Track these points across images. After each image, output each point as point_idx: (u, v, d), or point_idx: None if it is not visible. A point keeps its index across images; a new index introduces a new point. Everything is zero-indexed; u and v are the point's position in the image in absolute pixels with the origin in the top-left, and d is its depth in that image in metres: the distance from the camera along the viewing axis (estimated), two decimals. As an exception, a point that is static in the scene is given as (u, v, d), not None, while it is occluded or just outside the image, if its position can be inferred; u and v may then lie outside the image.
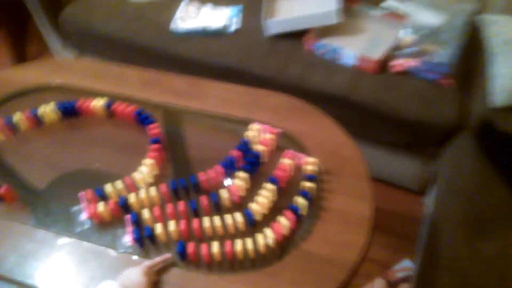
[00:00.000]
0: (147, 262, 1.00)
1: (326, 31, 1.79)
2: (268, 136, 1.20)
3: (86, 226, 1.11)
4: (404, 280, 1.65)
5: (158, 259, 1.02)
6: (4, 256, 1.05)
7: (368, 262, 1.71)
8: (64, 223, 1.11)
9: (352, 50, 1.66)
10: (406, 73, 1.64)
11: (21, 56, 2.48)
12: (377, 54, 1.65)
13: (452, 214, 1.34)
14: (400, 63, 1.64)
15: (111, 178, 1.17)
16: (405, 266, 1.66)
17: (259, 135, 1.22)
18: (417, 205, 1.83)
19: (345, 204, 1.11)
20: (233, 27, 1.86)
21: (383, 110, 1.60)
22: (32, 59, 2.56)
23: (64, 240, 1.08)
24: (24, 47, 2.50)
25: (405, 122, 1.59)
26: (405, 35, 1.69)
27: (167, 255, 1.02)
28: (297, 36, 1.76)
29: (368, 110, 1.62)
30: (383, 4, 1.89)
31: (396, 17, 1.79)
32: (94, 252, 1.06)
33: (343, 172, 1.17)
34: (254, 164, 1.16)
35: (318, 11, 1.75)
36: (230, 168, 1.17)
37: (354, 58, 1.66)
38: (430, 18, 1.74)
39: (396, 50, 1.67)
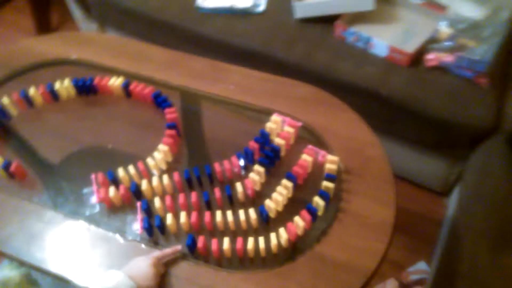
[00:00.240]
0: (157, 253, 0.97)
1: (360, 17, 1.69)
2: (288, 129, 1.14)
3: (96, 210, 1.08)
4: (418, 283, 1.60)
5: (168, 250, 0.98)
6: (11, 235, 1.03)
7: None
8: (74, 205, 1.09)
9: (385, 40, 1.56)
10: (440, 69, 1.54)
11: (44, 25, 2.45)
12: (411, 46, 1.56)
13: (475, 221, 1.27)
14: (435, 58, 1.54)
15: (125, 159, 1.14)
16: (420, 269, 1.60)
17: (279, 128, 1.16)
18: (439, 207, 1.76)
19: (365, 207, 1.05)
20: (261, 7, 1.78)
21: (413, 107, 1.52)
22: (54, 29, 2.53)
23: (72, 223, 1.06)
24: (47, 17, 2.46)
25: (435, 121, 1.50)
26: (443, 28, 1.58)
27: (177, 247, 0.99)
28: (328, 21, 1.67)
29: (397, 105, 1.54)
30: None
31: (436, 7, 1.67)
32: (102, 238, 1.03)
33: (366, 173, 1.11)
34: (271, 158, 1.11)
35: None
36: (246, 161, 1.11)
37: (386, 49, 1.57)
38: (471, 10, 1.62)
39: (432, 43, 1.57)
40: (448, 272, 1.29)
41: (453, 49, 1.53)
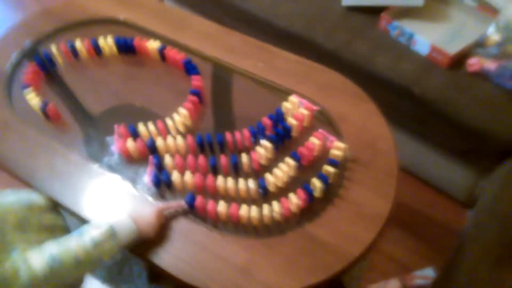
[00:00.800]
0: (162, 205, 1.05)
1: (408, 12, 1.66)
2: (303, 111, 1.16)
3: (114, 157, 1.17)
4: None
5: (172, 203, 1.06)
6: (38, 169, 1.15)
7: (389, 261, 1.65)
8: (97, 150, 1.19)
9: (428, 38, 1.52)
10: (481, 75, 1.48)
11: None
12: (454, 48, 1.51)
13: (485, 235, 1.24)
14: (478, 63, 1.48)
15: (148, 116, 1.23)
16: (426, 275, 1.58)
17: (295, 109, 1.19)
18: (460, 217, 1.71)
19: (363, 197, 1.07)
20: (310, -8, 1.79)
21: (447, 111, 1.48)
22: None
23: (92, 166, 1.16)
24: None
25: (466, 128, 1.46)
26: (492, 33, 1.51)
27: (182, 202, 1.06)
28: (375, 11, 1.65)
29: (430, 107, 1.50)
30: (481, -7, 1.69)
31: (489, 10, 1.60)
32: (115, 183, 1.12)
33: (372, 165, 1.12)
34: (281, 136, 1.14)
35: (403, -11, 1.63)
36: (258, 135, 1.16)
37: (428, 48, 1.53)
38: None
39: (477, 47, 1.51)
40: (448, 281, 1.27)
41: (498, 57, 1.46)
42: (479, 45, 1.51)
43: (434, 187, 1.77)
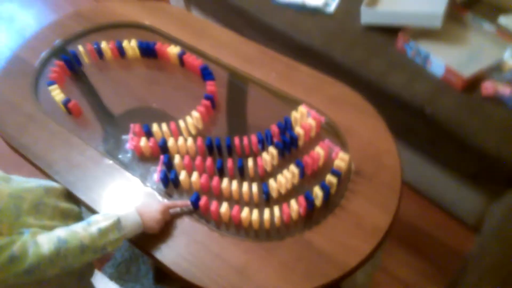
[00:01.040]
0: (168, 202, 1.09)
1: (426, 33, 1.68)
2: (311, 121, 1.20)
3: (128, 155, 1.23)
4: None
5: (179, 202, 1.10)
6: (56, 161, 1.21)
7: (394, 280, 1.65)
8: (112, 147, 1.25)
9: (444, 59, 1.54)
10: (496, 100, 1.48)
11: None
12: (469, 71, 1.52)
13: (488, 259, 1.23)
14: (493, 87, 1.48)
15: (162, 117, 1.29)
16: (430, 296, 1.57)
17: (303, 118, 1.23)
18: (467, 241, 1.69)
19: (364, 209, 1.09)
20: (331, 8, 1.83)
21: (459, 132, 1.48)
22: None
23: (107, 161, 1.22)
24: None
25: (478, 151, 1.45)
26: (509, 58, 1.52)
27: (188, 202, 1.10)
28: (393, 31, 1.67)
29: (442, 128, 1.51)
30: (501, 18, 1.70)
31: (507, 36, 1.60)
32: (127, 179, 1.18)
33: (375, 178, 1.14)
34: (288, 144, 1.17)
35: (423, 10, 1.65)
36: (265, 141, 1.20)
37: (443, 69, 1.54)
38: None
39: (493, 72, 1.52)
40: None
41: (514, 82, 1.47)
42: (495, 69, 1.52)
43: (444, 209, 1.76)
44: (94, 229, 0.94)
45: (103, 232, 0.94)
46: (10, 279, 0.84)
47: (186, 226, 1.09)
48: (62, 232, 0.91)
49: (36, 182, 1.08)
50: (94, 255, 0.95)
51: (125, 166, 1.21)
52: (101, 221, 0.96)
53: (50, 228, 0.94)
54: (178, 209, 1.10)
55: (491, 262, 1.22)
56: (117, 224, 0.96)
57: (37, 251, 0.86)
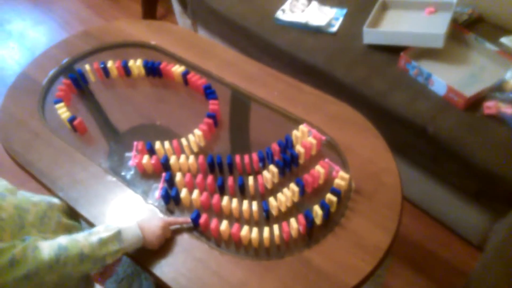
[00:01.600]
0: (170, 218, 1.10)
1: (428, 53, 1.70)
2: (311, 140, 1.21)
3: (131, 172, 1.25)
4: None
5: (180, 219, 1.11)
6: (59, 177, 1.23)
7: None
8: (115, 164, 1.26)
9: (446, 79, 1.55)
10: (498, 119, 1.49)
11: (150, 14, 2.77)
12: (471, 90, 1.52)
13: (491, 277, 1.22)
14: (494, 106, 1.49)
15: (165, 135, 1.31)
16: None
17: (304, 137, 1.24)
18: (471, 260, 1.68)
19: (364, 228, 1.09)
20: (334, 28, 1.86)
21: (460, 151, 1.48)
22: (158, 19, 2.85)
23: (110, 178, 1.23)
24: (154, 7, 2.78)
25: (480, 170, 1.45)
26: (511, 78, 1.53)
27: (189, 219, 1.11)
28: (395, 50, 1.70)
29: (444, 146, 1.51)
30: (503, 39, 1.71)
31: (509, 55, 1.62)
32: (129, 196, 1.19)
33: (375, 197, 1.14)
34: (289, 163, 1.18)
35: (425, 31, 1.67)
36: (266, 159, 1.21)
37: (444, 88, 1.55)
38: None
39: (495, 91, 1.53)
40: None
41: (516, 102, 1.47)
42: (497, 89, 1.53)
43: (448, 227, 1.75)
44: (94, 238, 0.95)
45: (103, 242, 0.96)
46: (9, 283, 0.85)
47: (186, 243, 1.09)
48: (63, 240, 0.93)
49: (40, 197, 1.10)
50: (93, 265, 0.96)
51: (128, 183, 1.22)
52: (102, 231, 0.97)
53: None
54: (178, 226, 1.11)
55: (494, 281, 1.21)
56: (117, 235, 0.98)
57: (37, 256, 0.87)
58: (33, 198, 1.07)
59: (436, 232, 1.78)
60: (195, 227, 1.11)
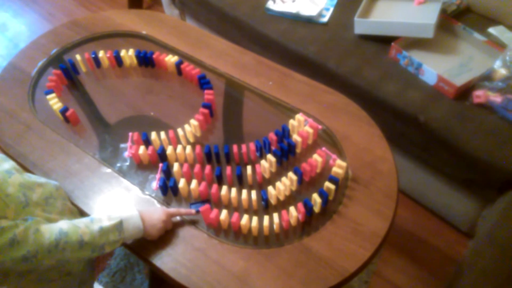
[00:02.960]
0: (172, 210, 1.09)
1: (418, 43, 1.72)
2: (308, 129, 1.21)
3: (126, 163, 1.23)
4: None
5: (182, 210, 1.10)
6: (53, 169, 1.21)
7: (388, 285, 1.66)
8: (110, 155, 1.25)
9: (436, 68, 1.57)
10: (487, 107, 1.52)
11: (136, 4, 2.72)
12: (461, 79, 1.55)
13: (483, 262, 1.25)
14: (483, 95, 1.52)
15: (161, 126, 1.30)
16: (425, 302, 1.58)
17: (301, 126, 1.24)
18: (460, 246, 1.72)
19: (361, 216, 1.10)
20: (325, 18, 1.87)
21: (451, 139, 1.51)
22: (145, 9, 2.80)
23: (105, 170, 1.22)
24: (141, -3, 2.74)
25: (470, 158, 1.48)
26: (499, 68, 1.56)
27: (192, 211, 1.10)
28: (386, 41, 1.71)
29: (435, 134, 1.54)
30: (490, 29, 1.74)
31: (497, 45, 1.65)
32: (125, 187, 1.18)
33: (372, 185, 1.15)
34: (286, 152, 1.19)
35: (415, 21, 1.68)
36: (263, 149, 1.21)
37: (435, 78, 1.57)
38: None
39: (484, 80, 1.55)
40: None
41: (504, 91, 1.50)
42: (485, 78, 1.55)
43: (437, 214, 1.79)
44: (96, 227, 0.95)
45: (104, 232, 0.95)
46: (6, 262, 0.84)
47: (185, 233, 1.09)
48: (64, 225, 0.92)
49: (47, 180, 1.08)
50: (91, 253, 0.95)
51: (124, 174, 1.21)
52: (104, 220, 0.97)
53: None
54: (180, 216, 1.11)
55: (485, 266, 1.24)
56: (119, 226, 0.97)
57: (38, 239, 0.86)
58: (40, 179, 1.06)
59: (425, 219, 1.82)
60: (197, 214, 1.10)
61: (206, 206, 1.08)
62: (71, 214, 1.08)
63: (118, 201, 1.15)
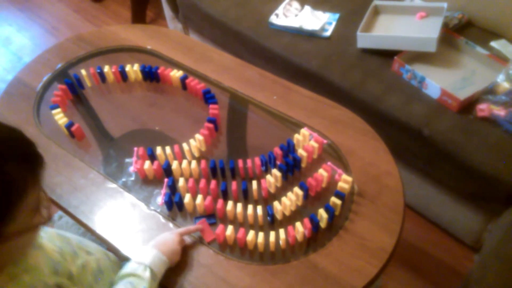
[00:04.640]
0: (181, 229, 1.08)
1: (421, 56, 1.72)
2: (313, 144, 1.21)
3: (131, 178, 1.23)
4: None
5: (191, 228, 1.09)
6: (59, 184, 1.21)
7: (395, 300, 1.64)
8: (115, 170, 1.25)
9: (439, 82, 1.58)
10: (491, 121, 1.52)
11: (139, 19, 2.75)
12: (464, 93, 1.56)
13: (489, 277, 1.24)
14: (487, 109, 1.52)
15: (166, 141, 1.30)
16: (431, 317, 1.57)
17: (306, 141, 1.24)
18: (467, 261, 1.71)
19: (368, 231, 1.09)
20: (327, 33, 1.88)
21: (455, 153, 1.51)
22: (148, 23, 2.83)
23: (110, 185, 1.22)
24: (144, 12, 2.76)
25: (475, 171, 1.48)
26: (502, 81, 1.56)
27: (200, 226, 1.09)
28: (389, 55, 1.72)
29: (439, 148, 1.54)
30: (493, 43, 1.76)
31: (500, 60, 1.65)
32: (130, 203, 1.18)
33: (378, 200, 1.15)
34: (291, 166, 1.19)
35: (417, 35, 1.69)
36: (268, 164, 1.21)
37: (438, 91, 1.58)
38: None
39: (488, 94, 1.56)
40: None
41: (507, 104, 1.50)
42: (489, 92, 1.56)
43: (442, 228, 1.78)
44: None
45: None
46: None
47: (191, 250, 1.08)
48: None
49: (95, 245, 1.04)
50: None
51: (129, 189, 1.21)
52: (141, 281, 0.92)
53: None
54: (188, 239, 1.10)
55: (493, 281, 1.23)
56: (153, 276, 0.95)
57: None
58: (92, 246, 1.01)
59: (430, 233, 1.81)
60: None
61: (203, 220, 1.07)
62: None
63: (123, 217, 1.15)
